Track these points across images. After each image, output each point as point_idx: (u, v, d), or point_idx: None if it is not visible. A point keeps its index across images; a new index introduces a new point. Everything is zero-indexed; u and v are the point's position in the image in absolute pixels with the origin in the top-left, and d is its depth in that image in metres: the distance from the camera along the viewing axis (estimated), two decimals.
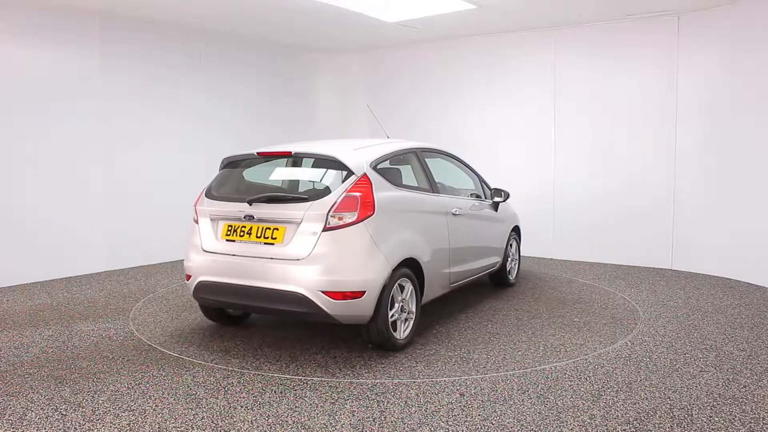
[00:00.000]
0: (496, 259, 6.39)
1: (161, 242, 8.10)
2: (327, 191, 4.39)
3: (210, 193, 4.86)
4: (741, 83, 6.94)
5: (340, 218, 4.24)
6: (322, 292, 4.16)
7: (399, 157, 5.15)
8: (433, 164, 5.88)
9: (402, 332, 4.60)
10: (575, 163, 8.34)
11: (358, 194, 4.32)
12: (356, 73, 10.37)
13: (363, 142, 5.14)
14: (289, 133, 9.74)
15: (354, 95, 10.28)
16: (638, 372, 4.16)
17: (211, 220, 4.72)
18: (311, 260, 4.20)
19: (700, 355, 4.50)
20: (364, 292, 4.21)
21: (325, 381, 4.03)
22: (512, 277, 6.83)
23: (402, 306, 4.58)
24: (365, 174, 4.45)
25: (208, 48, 8.76)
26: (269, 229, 4.42)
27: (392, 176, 4.82)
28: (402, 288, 4.59)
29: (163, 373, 4.18)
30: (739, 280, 7.03)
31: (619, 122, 7.97)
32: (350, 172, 4.43)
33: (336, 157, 4.53)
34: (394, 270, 4.43)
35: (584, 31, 8.13)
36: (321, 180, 4.63)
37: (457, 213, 5.44)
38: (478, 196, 6.17)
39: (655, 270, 7.69)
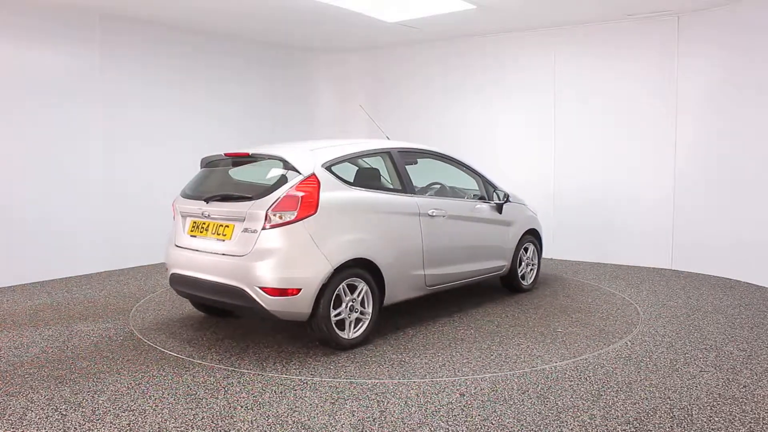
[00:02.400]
0: (501, 263, 6.18)
1: (161, 242, 8.07)
2: (270, 190, 4.51)
3: (184, 192, 5.15)
4: (741, 83, 6.94)
5: (280, 217, 4.36)
6: (260, 288, 4.31)
7: (365, 158, 5.23)
8: (427, 165, 5.88)
9: (351, 332, 4.64)
10: (575, 162, 8.35)
11: (299, 194, 4.42)
12: (356, 73, 10.37)
13: (329, 142, 5.14)
14: (289, 133, 9.75)
15: (354, 95, 10.28)
16: (638, 372, 4.16)
17: (182, 216, 5.03)
18: (252, 257, 4.37)
19: (700, 355, 4.50)
20: (300, 289, 4.32)
21: (325, 381, 4.03)
22: (527, 282, 6.56)
23: (352, 306, 4.62)
24: (313, 174, 4.55)
25: (208, 48, 8.76)
26: (221, 226, 4.66)
27: (351, 176, 4.90)
28: (353, 288, 4.64)
29: (163, 373, 4.18)
30: (739, 280, 7.03)
31: (619, 122, 7.97)
32: (297, 172, 4.54)
33: (284, 157, 4.68)
34: (340, 270, 4.49)
35: (584, 31, 8.13)
36: (269, 180, 4.74)
37: (434, 214, 5.33)
38: (481, 198, 6.07)
39: (655, 270, 7.69)
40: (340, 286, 4.53)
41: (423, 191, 6.01)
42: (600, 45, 8.05)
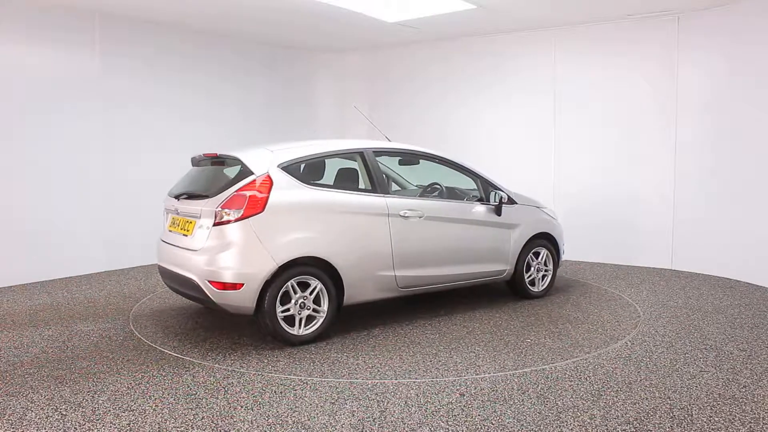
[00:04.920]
0: (501, 267, 5.95)
1: None
2: (223, 189, 4.75)
3: (171, 189, 5.45)
4: (741, 83, 6.94)
5: (228, 214, 4.60)
6: (208, 281, 4.57)
7: (335, 158, 5.33)
8: (428, 166, 5.87)
9: (301, 328, 4.75)
10: (575, 162, 8.34)
11: (247, 193, 4.61)
12: (356, 73, 10.37)
13: (296, 144, 5.25)
14: (289, 133, 9.74)
15: (354, 95, 10.27)
16: (638, 372, 4.16)
17: (167, 213, 5.41)
18: (203, 251, 4.66)
19: (700, 355, 4.50)
20: (243, 284, 4.51)
21: (325, 381, 4.03)
22: (537, 288, 6.25)
23: (304, 303, 4.73)
24: (267, 174, 4.73)
25: (208, 48, 8.76)
26: (187, 222, 4.98)
27: (310, 176, 5.10)
28: (306, 285, 4.75)
29: (163, 373, 4.19)
30: (739, 280, 7.03)
31: (620, 122, 7.97)
32: (250, 172, 4.73)
33: (240, 158, 4.89)
34: (287, 267, 4.63)
35: (584, 31, 8.13)
36: (225, 179, 4.91)
37: (407, 215, 5.27)
38: (480, 200, 5.91)
39: (655, 270, 7.69)
40: (289, 283, 4.66)
41: (426, 192, 6.02)
42: (600, 45, 8.04)
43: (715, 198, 7.28)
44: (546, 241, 6.33)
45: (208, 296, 4.60)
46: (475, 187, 6.04)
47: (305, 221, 4.78)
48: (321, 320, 4.83)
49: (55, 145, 7.23)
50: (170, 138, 8.34)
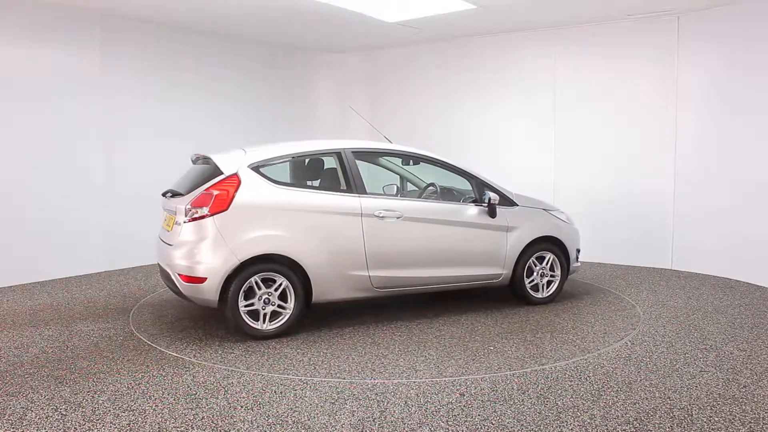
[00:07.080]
0: (496, 271, 5.73)
1: None
2: (194, 188, 5.02)
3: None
4: (741, 83, 6.94)
5: (196, 212, 4.84)
6: (178, 274, 4.86)
7: (307, 158, 5.47)
8: (427, 167, 5.87)
9: (266, 323, 4.90)
10: (575, 163, 8.34)
11: (214, 191, 4.85)
12: (356, 73, 10.37)
13: (274, 144, 5.47)
14: (290, 133, 9.74)
15: (354, 95, 10.28)
16: (638, 372, 4.16)
17: (163, 210, 5.63)
18: (176, 246, 4.93)
19: (700, 355, 4.50)
20: (206, 278, 4.74)
21: (325, 381, 4.04)
22: (541, 294, 5.96)
23: (268, 298, 4.89)
24: (235, 174, 4.93)
25: (208, 48, 8.76)
26: (171, 218, 5.23)
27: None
28: (272, 282, 4.91)
29: (163, 373, 4.19)
30: (739, 280, 7.03)
31: (619, 122, 7.98)
32: (220, 172, 4.96)
33: (213, 159, 5.13)
34: (250, 264, 4.81)
35: (584, 31, 8.13)
36: (201, 178, 5.12)
37: (383, 215, 5.25)
38: (474, 201, 5.74)
39: (655, 270, 7.69)
40: (252, 279, 4.82)
41: (422, 192, 6.00)
42: (600, 45, 8.05)
43: (715, 198, 7.28)
44: (553, 245, 6.02)
45: (179, 288, 4.87)
46: (466, 189, 5.96)
47: (272, 220, 4.92)
48: (286, 317, 4.96)
49: (55, 145, 7.23)
50: (170, 138, 8.34)
